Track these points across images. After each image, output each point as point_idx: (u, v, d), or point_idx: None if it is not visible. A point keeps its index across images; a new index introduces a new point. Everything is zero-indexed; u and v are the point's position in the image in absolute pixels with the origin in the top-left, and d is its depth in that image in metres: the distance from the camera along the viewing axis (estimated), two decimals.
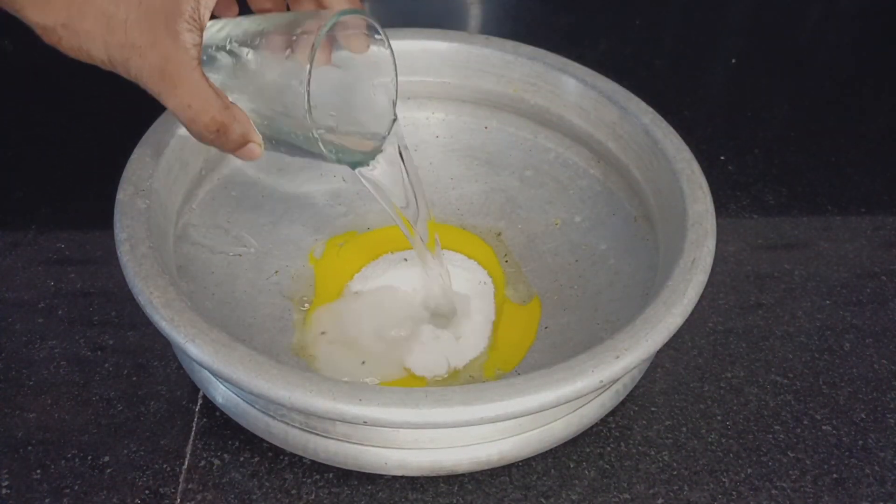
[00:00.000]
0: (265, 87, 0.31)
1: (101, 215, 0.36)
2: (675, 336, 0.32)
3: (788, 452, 0.36)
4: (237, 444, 0.35)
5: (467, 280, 0.41)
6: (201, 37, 0.29)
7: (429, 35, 0.45)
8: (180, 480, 0.34)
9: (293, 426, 0.33)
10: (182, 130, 0.38)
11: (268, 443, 0.35)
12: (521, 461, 0.35)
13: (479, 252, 0.43)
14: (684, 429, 0.37)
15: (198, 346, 0.30)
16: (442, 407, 0.29)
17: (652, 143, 0.39)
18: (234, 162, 0.43)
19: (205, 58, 0.31)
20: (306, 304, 0.40)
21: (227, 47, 0.31)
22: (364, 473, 0.34)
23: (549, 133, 0.45)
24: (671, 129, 0.40)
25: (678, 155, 0.38)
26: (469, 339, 0.39)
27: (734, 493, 0.35)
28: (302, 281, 0.41)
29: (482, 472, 0.35)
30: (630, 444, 0.36)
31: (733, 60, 0.62)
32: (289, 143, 0.32)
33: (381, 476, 0.34)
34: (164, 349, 0.39)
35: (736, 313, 0.42)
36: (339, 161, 0.33)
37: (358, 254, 0.43)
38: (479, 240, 0.44)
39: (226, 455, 0.35)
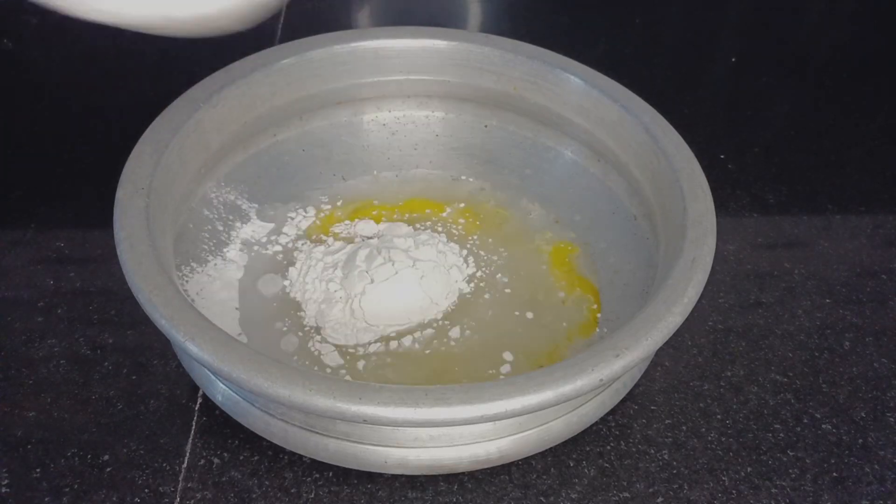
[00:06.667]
0: None
1: (100, 214, 0.36)
2: (674, 335, 0.32)
3: (788, 451, 0.36)
4: (237, 442, 0.35)
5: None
6: None
7: (429, 33, 0.45)
8: (180, 479, 0.34)
9: (293, 424, 0.33)
10: (182, 129, 0.38)
11: (267, 441, 0.35)
12: (521, 460, 0.35)
13: None
14: (684, 427, 0.37)
15: (197, 345, 0.30)
16: (442, 406, 0.28)
17: (652, 142, 0.39)
18: (234, 161, 0.43)
19: None
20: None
21: None
22: (364, 472, 0.34)
23: (550, 131, 0.45)
24: (671, 127, 0.40)
25: (678, 153, 0.38)
26: None
27: (734, 491, 0.35)
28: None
29: (482, 471, 0.35)
30: (630, 442, 0.36)
31: (733, 60, 0.62)
32: None
33: (380, 475, 0.34)
34: (163, 348, 0.39)
35: (736, 312, 0.42)
36: None
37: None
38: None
39: (225, 454, 0.35)
